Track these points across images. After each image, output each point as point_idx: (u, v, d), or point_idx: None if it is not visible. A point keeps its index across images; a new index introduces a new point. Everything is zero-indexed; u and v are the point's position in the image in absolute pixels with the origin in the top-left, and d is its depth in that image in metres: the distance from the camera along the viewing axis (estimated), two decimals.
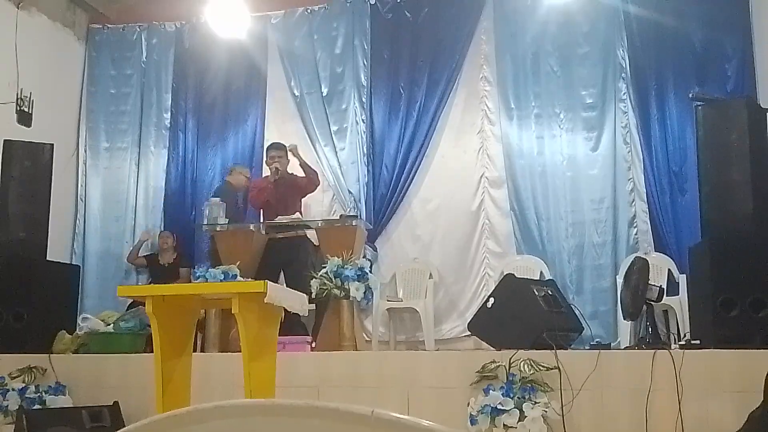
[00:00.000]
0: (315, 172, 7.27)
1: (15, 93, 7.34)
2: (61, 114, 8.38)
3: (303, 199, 7.33)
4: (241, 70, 8.57)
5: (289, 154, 7.03)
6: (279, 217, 6.85)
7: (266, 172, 7.41)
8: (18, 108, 7.33)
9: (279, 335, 4.00)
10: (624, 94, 7.56)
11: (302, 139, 7.93)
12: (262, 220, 7.15)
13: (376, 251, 7.77)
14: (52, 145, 6.42)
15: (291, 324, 5.55)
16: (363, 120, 8.10)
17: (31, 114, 7.45)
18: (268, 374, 3.76)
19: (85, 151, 8.71)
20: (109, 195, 8.67)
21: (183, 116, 8.67)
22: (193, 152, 8.58)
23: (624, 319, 5.80)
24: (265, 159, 7.50)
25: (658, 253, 7.00)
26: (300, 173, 7.18)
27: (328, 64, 8.33)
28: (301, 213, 7.15)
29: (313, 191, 7.36)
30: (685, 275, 6.31)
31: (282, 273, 6.73)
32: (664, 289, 5.41)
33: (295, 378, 4.88)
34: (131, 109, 8.76)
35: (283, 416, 1.08)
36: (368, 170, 7.98)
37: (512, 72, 7.88)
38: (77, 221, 8.56)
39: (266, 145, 7.93)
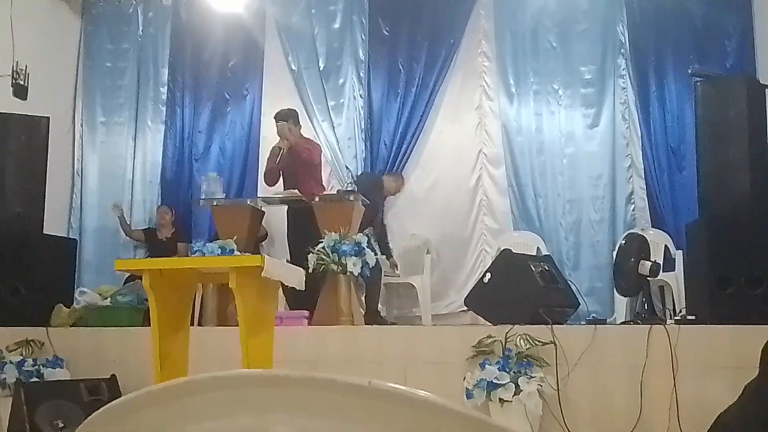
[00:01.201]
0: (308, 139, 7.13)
1: (10, 66, 7.27)
2: (58, 88, 8.30)
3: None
4: (238, 45, 8.48)
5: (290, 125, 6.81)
6: (271, 188, 6.80)
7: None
8: (14, 81, 7.26)
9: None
10: (623, 70, 7.53)
11: (299, 114, 7.87)
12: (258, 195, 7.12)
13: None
14: (48, 118, 6.37)
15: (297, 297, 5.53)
16: (361, 95, 8.06)
17: (27, 87, 7.38)
18: (266, 349, 3.77)
19: (82, 126, 8.64)
20: (106, 170, 8.62)
21: (180, 91, 8.59)
22: (190, 127, 8.52)
23: (619, 294, 5.82)
24: None
25: (655, 229, 7.00)
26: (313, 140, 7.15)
27: (325, 39, 8.26)
28: (323, 186, 6.91)
29: (316, 157, 6.91)
30: (681, 251, 6.33)
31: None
32: (659, 264, 5.42)
33: (293, 353, 4.89)
34: (128, 84, 8.68)
35: (281, 387, 1.08)
36: (366, 146, 7.96)
37: (511, 48, 7.83)
38: (74, 196, 8.52)
39: (264, 119, 7.91)
